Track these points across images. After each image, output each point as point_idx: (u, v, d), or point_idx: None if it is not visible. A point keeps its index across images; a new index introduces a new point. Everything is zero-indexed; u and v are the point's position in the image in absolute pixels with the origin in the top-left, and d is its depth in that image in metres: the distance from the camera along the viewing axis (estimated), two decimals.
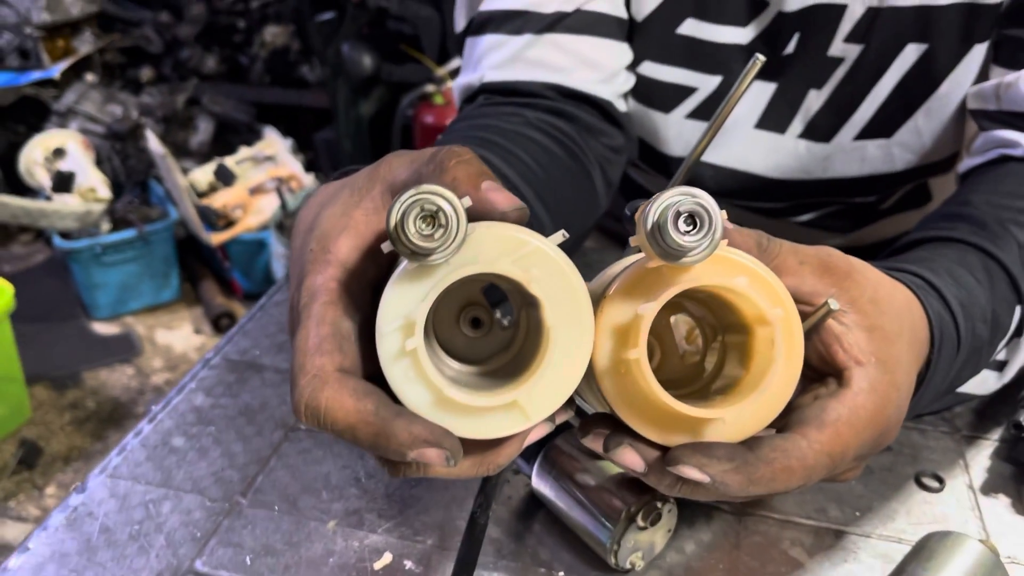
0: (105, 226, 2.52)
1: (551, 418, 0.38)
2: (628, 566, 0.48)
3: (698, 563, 0.49)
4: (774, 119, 0.77)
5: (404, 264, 0.35)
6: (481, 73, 0.73)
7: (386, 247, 0.34)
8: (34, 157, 2.60)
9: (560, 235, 0.38)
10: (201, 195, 2.66)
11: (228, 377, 0.63)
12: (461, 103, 0.78)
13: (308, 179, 2.72)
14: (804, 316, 0.39)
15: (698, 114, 0.78)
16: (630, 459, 0.39)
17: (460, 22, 0.79)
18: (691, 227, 0.34)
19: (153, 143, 2.60)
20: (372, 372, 0.37)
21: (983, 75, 0.70)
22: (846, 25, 0.70)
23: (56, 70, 2.91)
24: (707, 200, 0.33)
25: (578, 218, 0.73)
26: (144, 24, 3.27)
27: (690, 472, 0.37)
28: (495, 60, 0.73)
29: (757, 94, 0.76)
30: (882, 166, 0.77)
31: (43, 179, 2.56)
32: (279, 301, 0.72)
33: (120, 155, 2.84)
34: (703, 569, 0.49)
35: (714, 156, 0.80)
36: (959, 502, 0.53)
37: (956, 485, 0.55)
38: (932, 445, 0.58)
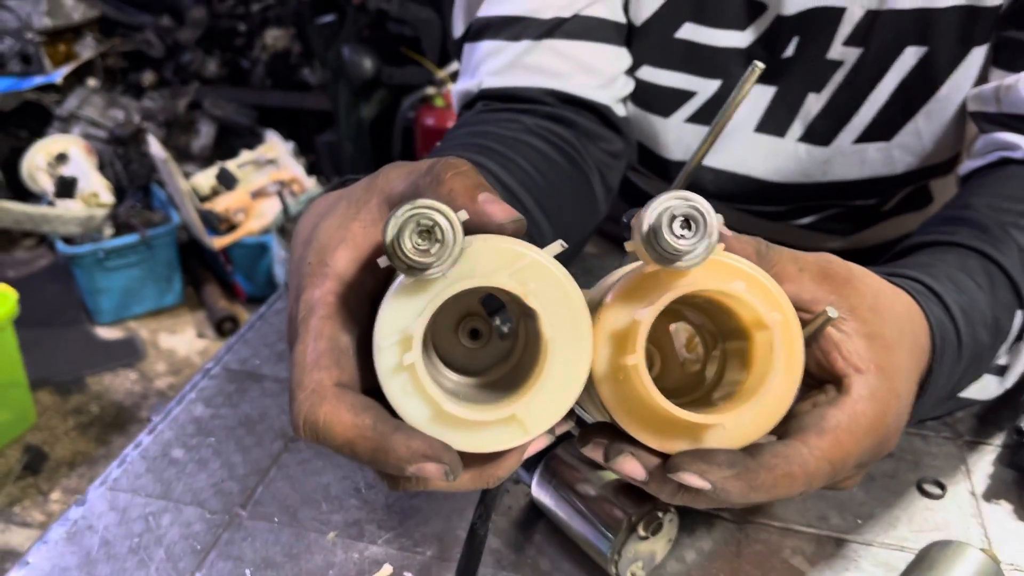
0: (108, 231, 2.52)
1: (551, 430, 0.38)
2: None
3: (699, 572, 0.49)
4: (774, 123, 0.77)
5: (401, 278, 0.35)
6: (479, 79, 0.73)
7: (382, 262, 0.34)
8: (36, 162, 2.61)
9: (558, 245, 0.38)
10: (203, 199, 2.66)
11: (228, 387, 0.63)
12: (459, 109, 0.77)
13: (310, 182, 2.72)
14: (804, 324, 0.39)
15: (697, 118, 0.78)
16: (631, 467, 0.39)
17: (458, 28, 0.79)
18: (686, 230, 0.34)
19: (155, 147, 2.61)
20: (371, 386, 0.37)
21: (983, 77, 0.70)
22: (845, 28, 0.69)
23: (58, 75, 2.91)
24: (702, 203, 0.33)
25: (578, 224, 0.73)
26: (145, 28, 3.27)
27: (691, 479, 0.36)
28: (493, 66, 0.73)
29: (756, 98, 0.76)
30: (882, 169, 0.76)
31: (46, 184, 2.57)
32: (279, 309, 0.72)
33: (122, 160, 2.84)
34: None
35: (714, 160, 0.80)
36: (961, 509, 0.53)
37: (958, 491, 0.55)
38: (934, 451, 0.58)
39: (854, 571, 0.49)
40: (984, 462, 0.57)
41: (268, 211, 2.62)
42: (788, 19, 0.70)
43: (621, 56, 0.74)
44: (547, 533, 0.51)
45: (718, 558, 0.50)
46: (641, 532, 0.46)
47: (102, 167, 2.74)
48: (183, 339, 2.58)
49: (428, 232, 0.33)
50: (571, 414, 0.39)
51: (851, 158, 0.76)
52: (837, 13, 0.69)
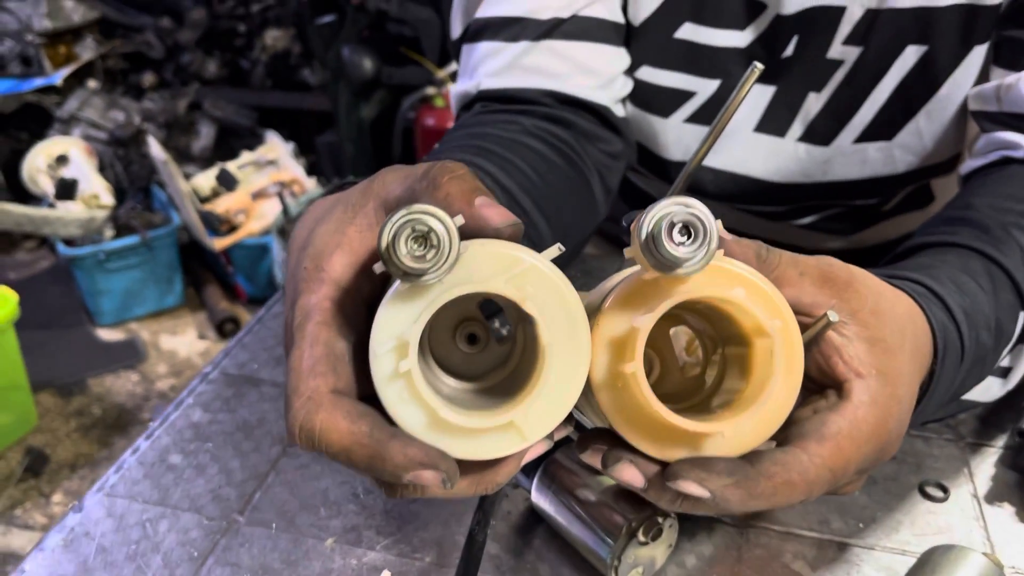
0: (108, 233, 2.52)
1: (549, 436, 0.38)
2: None
3: None
4: (774, 122, 0.76)
5: (397, 284, 0.35)
6: (478, 81, 0.73)
7: (378, 268, 0.34)
8: (37, 164, 2.61)
9: (556, 249, 0.38)
10: (204, 200, 2.66)
11: (226, 392, 0.62)
12: (458, 111, 0.77)
13: (310, 183, 2.72)
14: (804, 328, 0.39)
15: (697, 118, 0.77)
16: (629, 475, 0.38)
17: (456, 29, 0.78)
18: (686, 237, 0.33)
19: (155, 149, 2.61)
20: (367, 392, 0.37)
21: (984, 76, 0.69)
22: (845, 27, 0.69)
23: (58, 77, 2.91)
24: (702, 210, 0.33)
25: (577, 226, 0.72)
26: (145, 29, 3.27)
27: (690, 487, 0.36)
28: (492, 67, 0.72)
29: (756, 97, 0.75)
30: (883, 168, 0.76)
31: (46, 186, 2.57)
32: (277, 313, 0.72)
33: (123, 161, 2.84)
34: None
35: (714, 160, 0.79)
36: (963, 512, 0.53)
37: (960, 494, 0.54)
38: (936, 453, 0.58)
39: None
40: (986, 464, 0.57)
41: (269, 212, 2.62)
42: (787, 18, 0.70)
43: (620, 56, 0.74)
44: (546, 538, 0.50)
45: (719, 563, 0.49)
46: (641, 537, 0.46)
47: (103, 169, 2.74)
48: (184, 340, 2.58)
49: (424, 238, 0.33)
50: (570, 419, 0.38)
51: (852, 158, 0.76)
52: (837, 12, 0.68)
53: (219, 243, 2.54)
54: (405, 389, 0.34)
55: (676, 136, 0.79)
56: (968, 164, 0.69)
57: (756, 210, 0.85)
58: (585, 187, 0.72)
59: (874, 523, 0.52)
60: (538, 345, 0.35)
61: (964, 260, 0.52)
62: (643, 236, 0.33)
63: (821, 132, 0.75)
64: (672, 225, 0.33)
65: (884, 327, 0.41)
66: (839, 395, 0.40)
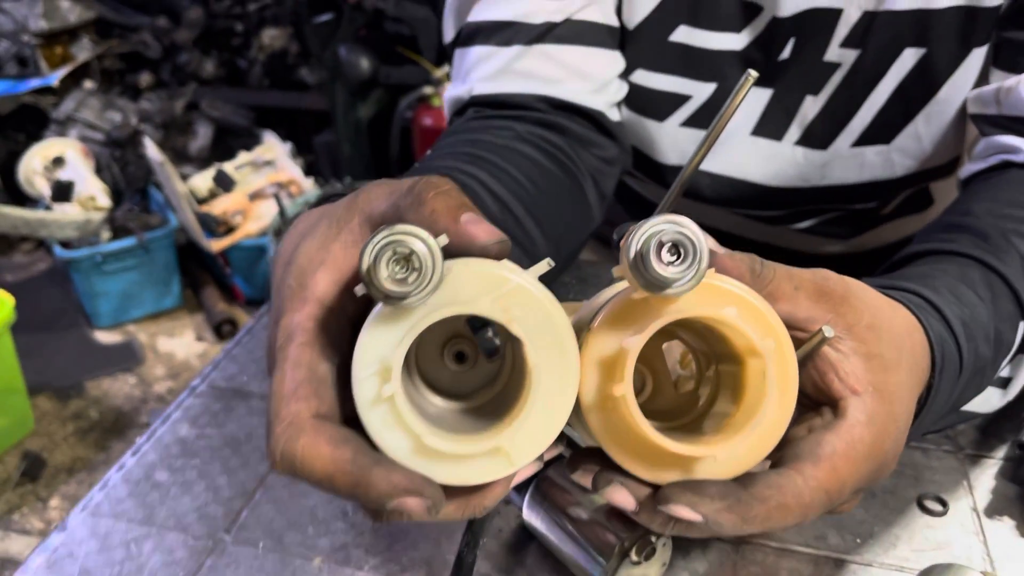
0: (105, 235, 2.51)
1: (539, 457, 0.37)
2: None
3: None
4: (770, 126, 0.75)
5: (380, 306, 0.34)
6: (470, 86, 0.72)
7: (359, 291, 0.33)
8: (33, 166, 2.60)
9: (545, 264, 0.37)
10: (201, 201, 2.65)
11: (214, 406, 0.62)
12: (451, 116, 0.76)
13: (308, 183, 2.71)
14: (799, 343, 0.38)
15: (693, 122, 0.76)
16: (620, 497, 0.38)
17: (449, 32, 0.78)
18: (675, 257, 0.32)
19: (151, 150, 2.60)
20: (352, 415, 0.36)
21: (983, 78, 0.68)
22: (842, 30, 0.68)
23: (55, 77, 2.90)
24: (692, 229, 0.32)
25: (571, 233, 0.71)
26: (142, 29, 3.26)
27: (681, 511, 0.35)
28: (484, 72, 0.72)
29: (753, 101, 0.74)
30: (881, 172, 0.75)
31: (43, 188, 2.56)
32: (267, 324, 0.71)
33: (119, 162, 2.83)
34: None
35: (711, 164, 0.78)
36: (963, 526, 0.52)
37: (960, 508, 0.53)
38: (935, 465, 0.57)
39: None
40: (986, 476, 0.56)
41: (266, 213, 2.61)
42: (784, 21, 0.69)
43: (614, 60, 0.73)
44: (538, 557, 0.49)
45: None
46: (634, 557, 0.45)
47: (99, 170, 2.73)
48: (182, 342, 2.57)
49: (405, 259, 0.32)
50: (561, 438, 0.37)
51: (850, 161, 0.75)
52: (834, 14, 0.67)
53: (216, 245, 2.54)
54: (389, 414, 0.34)
55: (672, 140, 0.78)
56: (967, 168, 0.68)
57: (754, 214, 0.84)
58: (579, 193, 0.71)
59: (872, 538, 0.51)
60: (525, 367, 0.34)
61: (963, 269, 0.51)
62: (631, 255, 0.33)
63: (819, 136, 0.74)
64: (661, 244, 0.32)
65: (881, 342, 0.40)
66: (835, 413, 0.39)
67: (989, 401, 0.54)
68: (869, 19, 0.67)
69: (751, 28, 0.71)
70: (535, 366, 0.34)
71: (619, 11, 0.73)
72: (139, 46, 3.23)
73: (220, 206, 2.60)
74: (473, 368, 0.41)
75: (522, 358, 0.35)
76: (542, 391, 0.34)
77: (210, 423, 0.60)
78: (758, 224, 0.86)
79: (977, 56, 0.67)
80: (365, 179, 2.83)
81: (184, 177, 2.73)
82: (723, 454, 0.35)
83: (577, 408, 0.36)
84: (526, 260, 0.62)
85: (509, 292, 0.34)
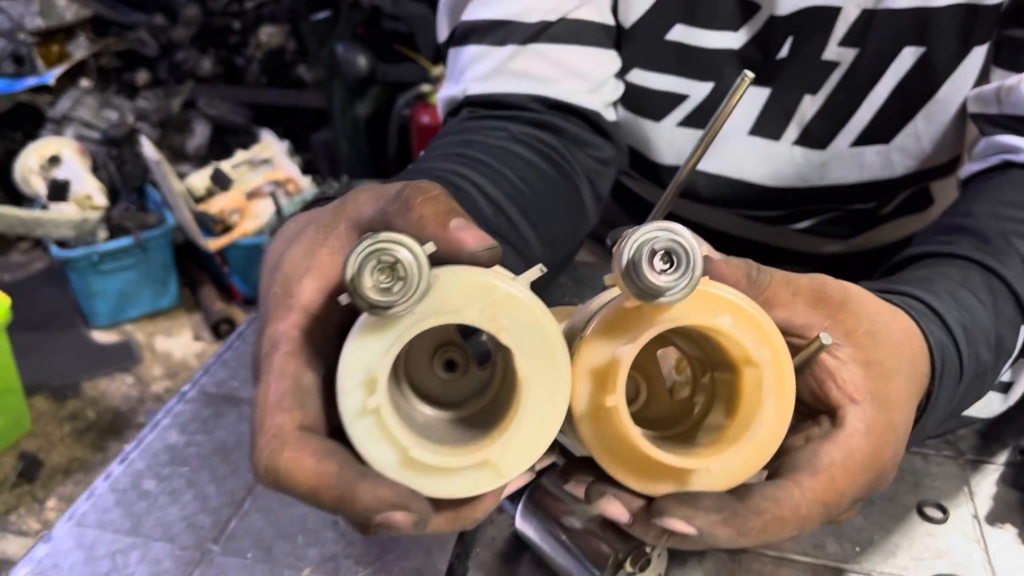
0: (102, 234, 2.50)
1: (531, 468, 0.36)
2: None
3: None
4: (768, 125, 0.75)
5: (365, 315, 0.33)
6: (464, 86, 0.71)
7: (343, 300, 0.32)
8: (29, 165, 2.58)
9: (537, 270, 0.36)
10: (198, 200, 2.64)
11: (204, 412, 0.61)
12: (445, 116, 0.75)
13: (305, 182, 2.70)
14: (797, 351, 0.37)
15: (690, 122, 0.75)
16: (613, 509, 0.37)
17: (443, 31, 0.77)
18: (668, 265, 0.32)
19: (148, 149, 2.59)
20: (338, 425, 0.35)
21: (983, 77, 0.67)
22: (840, 28, 0.67)
23: (51, 76, 2.89)
24: (685, 236, 0.31)
25: (567, 234, 0.71)
26: (139, 27, 3.25)
27: (676, 524, 0.35)
28: (478, 72, 0.71)
29: (750, 100, 0.74)
30: (881, 172, 0.74)
31: (39, 187, 2.55)
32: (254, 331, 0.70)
33: (116, 161, 2.82)
34: None
35: (708, 164, 0.77)
36: (964, 534, 0.51)
37: (960, 515, 0.52)
38: (935, 471, 0.56)
39: None
40: (987, 482, 0.55)
41: (263, 212, 2.60)
42: (782, 19, 0.68)
43: (610, 59, 0.72)
44: (532, 567, 0.49)
45: None
46: (628, 568, 0.44)
47: (96, 169, 2.72)
48: (179, 342, 2.56)
49: (391, 268, 0.31)
50: (554, 447, 0.37)
51: (849, 161, 0.74)
52: (832, 13, 0.67)
53: (214, 243, 2.52)
54: (375, 426, 0.33)
55: (669, 140, 0.77)
56: (967, 168, 0.67)
57: (752, 215, 0.84)
58: (575, 194, 0.71)
59: (871, 546, 0.50)
60: (515, 377, 0.33)
61: (963, 272, 0.50)
62: (623, 263, 0.32)
63: (817, 135, 0.73)
64: (654, 252, 0.31)
65: (880, 349, 0.39)
66: (832, 422, 0.38)
67: (990, 406, 0.54)
68: (868, 17, 0.66)
69: (748, 27, 0.70)
70: (525, 376, 0.33)
71: (615, 10, 0.72)
72: (136, 44, 3.22)
73: (217, 205, 2.59)
74: (464, 376, 0.40)
75: (513, 367, 0.34)
76: (532, 402, 0.33)
77: (199, 430, 0.59)
78: (757, 224, 0.85)
79: (977, 55, 0.66)
80: (363, 177, 2.83)
81: (181, 176, 2.72)
82: (718, 466, 0.34)
83: (569, 418, 0.35)
84: (521, 263, 0.61)
85: (498, 301, 0.33)
